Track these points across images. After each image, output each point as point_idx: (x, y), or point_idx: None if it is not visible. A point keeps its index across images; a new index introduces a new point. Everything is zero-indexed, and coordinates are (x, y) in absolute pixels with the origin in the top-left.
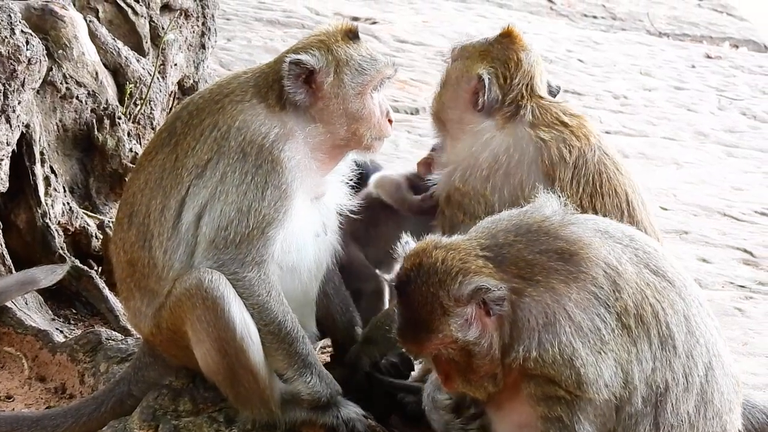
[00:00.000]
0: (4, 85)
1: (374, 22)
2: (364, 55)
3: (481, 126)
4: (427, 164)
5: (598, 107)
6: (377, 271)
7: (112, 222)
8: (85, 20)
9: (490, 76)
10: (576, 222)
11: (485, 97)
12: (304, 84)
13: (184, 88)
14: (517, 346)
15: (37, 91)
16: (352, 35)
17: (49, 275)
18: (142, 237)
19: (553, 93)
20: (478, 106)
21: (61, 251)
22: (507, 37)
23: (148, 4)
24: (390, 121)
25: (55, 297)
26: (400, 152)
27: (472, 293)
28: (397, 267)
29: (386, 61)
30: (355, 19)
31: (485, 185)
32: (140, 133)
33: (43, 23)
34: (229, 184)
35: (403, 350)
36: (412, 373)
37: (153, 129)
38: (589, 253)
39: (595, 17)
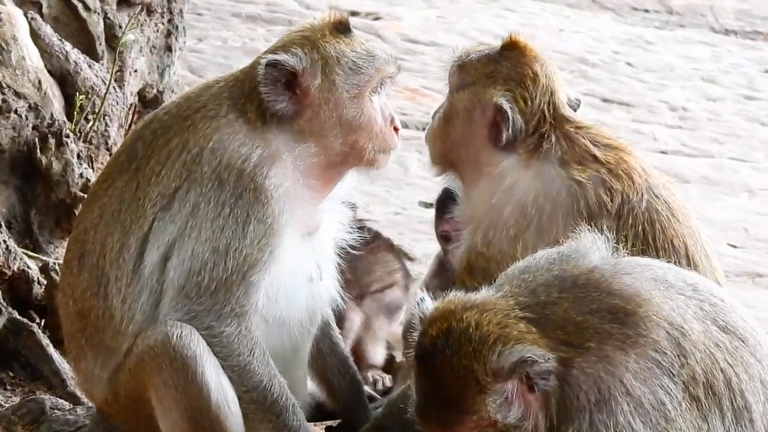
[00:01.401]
0: None
1: (377, 18)
2: (358, 51)
3: (501, 167)
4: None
5: (651, 121)
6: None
7: (59, 264)
8: (26, 17)
9: (511, 104)
10: (631, 271)
11: (509, 130)
12: (286, 90)
13: (146, 100)
14: (564, 429)
15: None
16: (342, 28)
17: None
18: (95, 282)
19: (573, 107)
20: (499, 143)
21: None
22: (513, 50)
23: None
24: (396, 129)
25: None
26: (409, 177)
27: (514, 366)
28: (413, 332)
29: (386, 57)
30: (354, 13)
31: (514, 246)
32: (93, 155)
33: None
34: (203, 218)
35: None
36: None
37: (109, 150)
38: (648, 311)
39: (647, 11)
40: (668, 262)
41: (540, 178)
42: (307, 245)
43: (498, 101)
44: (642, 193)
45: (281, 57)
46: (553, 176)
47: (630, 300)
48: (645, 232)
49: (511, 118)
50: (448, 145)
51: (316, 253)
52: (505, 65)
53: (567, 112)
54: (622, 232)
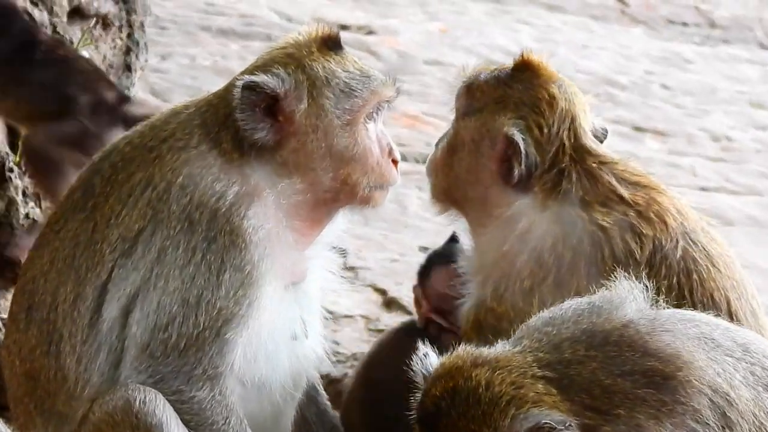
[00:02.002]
0: None
1: (370, 32)
2: (351, 71)
3: (514, 208)
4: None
5: (690, 153)
6: None
7: (2, 320)
8: None
9: (524, 134)
10: (671, 328)
11: (521, 165)
12: (267, 116)
13: None
14: None
15: None
16: (332, 44)
17: None
18: (46, 339)
19: (599, 138)
20: (511, 180)
21: None
22: (526, 70)
23: (51, 8)
24: (395, 161)
25: None
26: (408, 218)
27: (534, 427)
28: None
29: (383, 79)
30: (344, 27)
31: (529, 301)
32: (40, 192)
33: None
34: (170, 265)
35: None
36: None
37: None
38: (689, 375)
39: (685, 24)
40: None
41: (558, 223)
42: (291, 297)
43: (509, 132)
44: (677, 239)
45: (260, 78)
46: (574, 220)
47: (668, 362)
48: (680, 285)
49: (523, 151)
50: (452, 180)
51: (302, 307)
52: (517, 88)
53: (590, 142)
54: (653, 285)
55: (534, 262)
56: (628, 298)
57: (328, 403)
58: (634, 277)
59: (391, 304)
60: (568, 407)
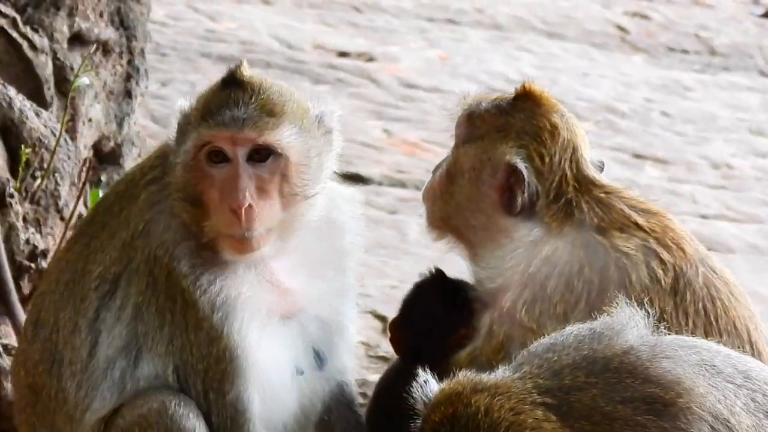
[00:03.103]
0: None
1: (370, 59)
2: (187, 112)
3: (522, 232)
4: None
5: (690, 180)
6: None
7: (2, 346)
8: None
9: (526, 162)
10: (672, 354)
11: (524, 194)
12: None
13: (103, 154)
14: None
15: None
16: (225, 82)
17: None
18: (48, 358)
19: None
20: (513, 209)
21: None
22: (528, 100)
23: (51, 34)
24: (235, 211)
25: None
26: (408, 244)
27: None
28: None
29: (205, 123)
30: (344, 54)
31: (562, 327)
32: (41, 218)
33: None
34: (150, 326)
35: None
36: None
37: (59, 212)
38: (690, 402)
39: (685, 52)
40: (731, 345)
41: (582, 248)
42: (289, 331)
43: (512, 160)
44: (696, 266)
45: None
46: (595, 246)
47: (669, 388)
48: (707, 311)
49: (526, 180)
50: (452, 208)
51: (303, 338)
52: (519, 117)
53: (592, 172)
54: (680, 309)
55: (564, 287)
56: (629, 325)
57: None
58: (662, 303)
59: None
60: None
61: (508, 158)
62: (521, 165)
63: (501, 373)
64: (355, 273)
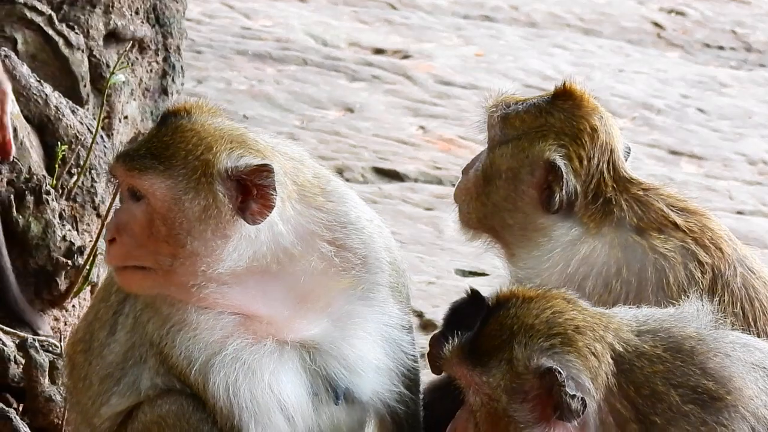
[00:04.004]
0: None
1: (406, 56)
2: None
3: (560, 232)
4: None
5: (726, 177)
6: None
7: (39, 341)
8: None
9: (565, 161)
10: (730, 352)
11: (563, 191)
12: None
13: None
14: None
15: None
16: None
17: None
18: (86, 340)
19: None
20: (551, 207)
21: None
22: (568, 100)
23: (87, 31)
24: (109, 240)
25: None
26: (444, 241)
27: (542, 371)
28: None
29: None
30: (379, 51)
31: None
32: (77, 215)
33: None
34: (144, 340)
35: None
36: None
37: (96, 209)
38: (737, 401)
39: (721, 48)
40: None
41: (620, 248)
42: (296, 357)
43: (551, 158)
44: (734, 266)
45: None
46: (633, 246)
47: (721, 384)
48: (745, 312)
49: (565, 177)
50: (489, 209)
51: (319, 364)
52: (558, 117)
53: (628, 171)
54: (718, 311)
55: (602, 287)
56: (697, 316)
57: None
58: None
59: (427, 326)
60: (607, 384)
61: (547, 155)
62: (560, 162)
63: (601, 309)
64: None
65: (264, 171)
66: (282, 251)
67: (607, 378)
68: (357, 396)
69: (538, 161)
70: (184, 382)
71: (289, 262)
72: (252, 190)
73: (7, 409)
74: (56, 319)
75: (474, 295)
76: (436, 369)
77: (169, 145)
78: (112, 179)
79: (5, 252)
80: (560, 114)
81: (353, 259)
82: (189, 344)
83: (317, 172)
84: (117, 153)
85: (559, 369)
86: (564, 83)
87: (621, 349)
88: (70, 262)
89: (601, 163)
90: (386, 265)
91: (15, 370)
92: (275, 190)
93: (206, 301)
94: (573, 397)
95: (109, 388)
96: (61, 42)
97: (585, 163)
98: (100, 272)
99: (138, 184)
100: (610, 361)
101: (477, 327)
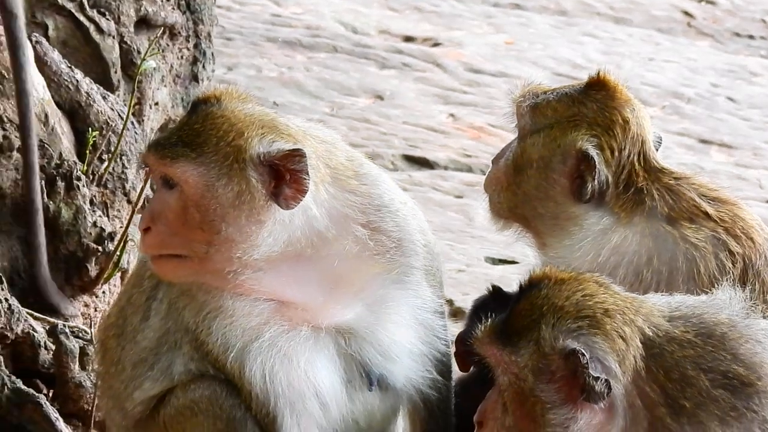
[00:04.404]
0: None
1: (436, 44)
2: None
3: (591, 221)
4: None
5: (756, 166)
6: None
7: (69, 327)
8: (30, 40)
9: (598, 152)
10: (762, 340)
11: (595, 181)
12: None
13: None
14: None
15: None
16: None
17: None
18: (119, 325)
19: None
20: (583, 196)
21: None
22: (601, 90)
23: (118, 18)
24: (144, 230)
25: None
26: (474, 229)
27: (567, 352)
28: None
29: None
30: (409, 39)
31: None
32: (108, 201)
33: None
34: (178, 326)
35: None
36: None
37: (126, 195)
38: (767, 387)
39: (751, 37)
40: None
41: (651, 238)
42: (330, 342)
43: (583, 147)
44: (765, 256)
45: None
46: (664, 236)
47: (752, 370)
48: None
49: (598, 168)
50: (520, 198)
51: (353, 348)
52: (591, 107)
53: (659, 161)
54: (749, 300)
55: (633, 276)
56: (729, 304)
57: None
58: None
59: (457, 314)
60: (635, 368)
61: (579, 145)
62: (593, 152)
63: (633, 294)
64: (415, 288)
65: (296, 156)
66: (316, 235)
67: (636, 361)
68: (391, 382)
69: (571, 150)
70: (219, 369)
71: (323, 246)
72: (285, 175)
73: (37, 395)
74: (86, 305)
75: (496, 291)
76: (463, 366)
77: (201, 133)
78: (144, 168)
79: (42, 232)
80: (593, 104)
81: (387, 242)
82: (225, 331)
83: (350, 156)
84: (148, 142)
85: (583, 351)
86: (598, 73)
87: (651, 334)
88: (100, 248)
89: (632, 155)
90: (420, 248)
91: (45, 356)
92: (308, 174)
93: (242, 287)
94: (597, 379)
95: (142, 372)
96: (92, 28)
97: (616, 154)
98: (131, 258)
99: (171, 173)
100: (640, 344)
101: (509, 308)
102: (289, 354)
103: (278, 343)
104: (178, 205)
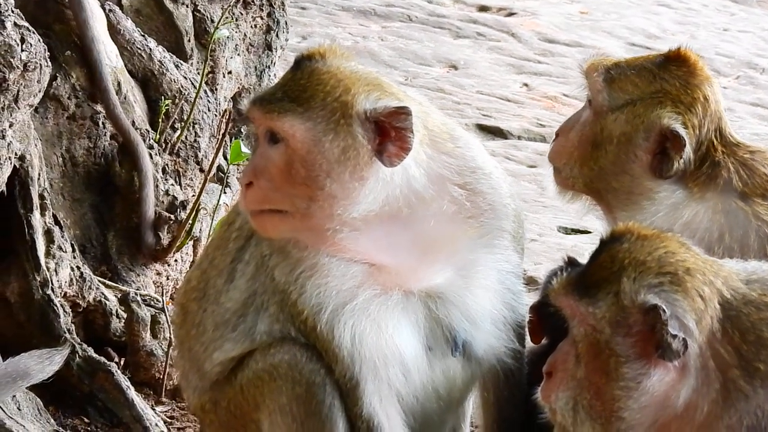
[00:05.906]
0: None
1: (511, 14)
2: None
3: (669, 197)
4: None
5: None
6: None
7: (141, 295)
8: (103, 9)
9: (687, 129)
10: None
11: (681, 159)
12: None
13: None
14: None
15: (36, 109)
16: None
17: (42, 364)
18: (201, 288)
19: None
20: (666, 173)
21: (67, 334)
22: (682, 66)
23: None
24: (246, 185)
25: (59, 399)
26: (547, 198)
27: (647, 307)
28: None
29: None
30: (484, 8)
31: None
32: (180, 170)
33: (44, 14)
34: (265, 287)
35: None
36: None
37: (199, 164)
38: None
39: None
40: None
41: (723, 214)
42: (418, 306)
43: (671, 125)
44: None
45: None
46: (737, 212)
47: None
48: None
49: (687, 145)
50: (596, 173)
51: (439, 311)
52: (674, 84)
53: (734, 136)
54: None
55: (704, 249)
56: None
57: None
58: None
59: (529, 283)
60: (711, 328)
61: (666, 123)
62: (682, 131)
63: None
64: (503, 253)
65: (402, 113)
66: (414, 195)
67: (712, 322)
68: (474, 349)
69: (655, 127)
70: (305, 330)
71: (420, 206)
72: (390, 132)
73: (108, 363)
74: (158, 274)
75: (571, 262)
76: (535, 337)
77: (307, 88)
78: (248, 123)
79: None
80: (675, 81)
81: (482, 204)
82: (319, 291)
83: (443, 119)
84: (253, 97)
85: (664, 307)
86: (678, 48)
87: (729, 296)
88: (172, 216)
89: (710, 131)
90: (512, 211)
91: (117, 325)
92: (413, 132)
93: (338, 246)
94: (675, 336)
95: (223, 334)
96: None
97: (697, 131)
98: (203, 227)
99: (277, 127)
100: (717, 306)
101: (588, 261)
102: (378, 319)
103: (370, 308)
104: (283, 160)
